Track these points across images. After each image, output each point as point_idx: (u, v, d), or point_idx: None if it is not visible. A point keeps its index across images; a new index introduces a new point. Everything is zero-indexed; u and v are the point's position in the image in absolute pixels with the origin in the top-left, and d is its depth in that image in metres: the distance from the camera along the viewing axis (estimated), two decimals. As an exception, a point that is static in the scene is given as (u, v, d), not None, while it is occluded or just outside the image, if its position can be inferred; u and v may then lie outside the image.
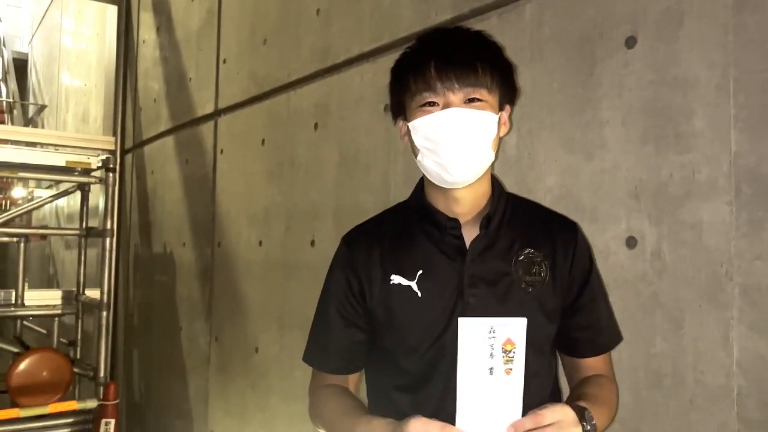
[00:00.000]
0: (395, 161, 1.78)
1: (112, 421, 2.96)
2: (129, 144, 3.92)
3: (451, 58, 0.99)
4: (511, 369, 0.87)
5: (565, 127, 1.34)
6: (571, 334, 1.10)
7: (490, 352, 0.87)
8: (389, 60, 1.85)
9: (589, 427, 0.91)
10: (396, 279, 1.06)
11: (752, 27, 1.06)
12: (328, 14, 2.09)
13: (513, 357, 0.87)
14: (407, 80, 1.02)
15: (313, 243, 2.13)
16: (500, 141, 1.09)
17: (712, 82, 1.10)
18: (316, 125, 2.13)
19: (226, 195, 2.74)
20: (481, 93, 1.00)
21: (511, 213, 1.11)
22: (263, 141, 2.45)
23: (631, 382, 1.18)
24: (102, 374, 3.14)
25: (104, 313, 3.15)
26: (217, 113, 2.82)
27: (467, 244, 1.06)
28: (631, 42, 1.23)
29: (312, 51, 2.16)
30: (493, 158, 1.05)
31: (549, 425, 0.86)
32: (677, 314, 1.13)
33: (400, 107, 1.07)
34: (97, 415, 2.99)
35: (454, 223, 1.07)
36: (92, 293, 3.36)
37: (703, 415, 1.09)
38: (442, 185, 1.05)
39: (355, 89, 1.95)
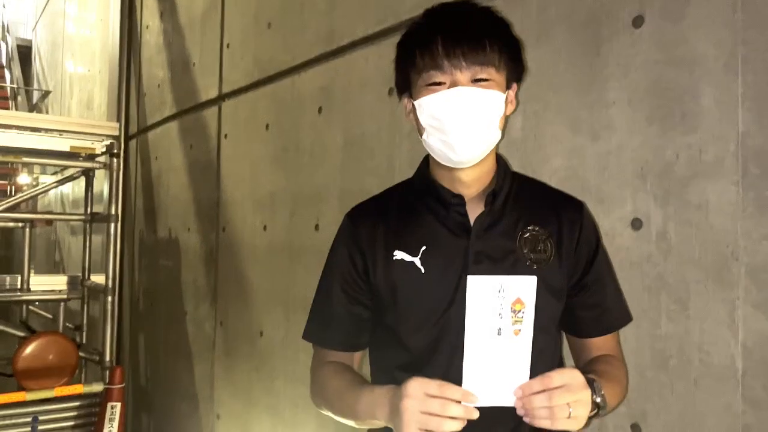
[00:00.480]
0: (400, 144, 1.77)
1: (118, 405, 2.99)
2: (133, 130, 3.92)
3: (459, 35, 0.98)
4: (519, 330, 0.86)
5: (571, 108, 1.33)
6: (577, 313, 1.10)
7: (499, 311, 0.86)
8: (394, 43, 1.83)
9: (598, 399, 0.91)
10: (399, 255, 1.06)
11: (761, 5, 1.05)
12: (332, -3, 2.08)
13: (522, 317, 0.86)
14: (413, 56, 1.01)
15: (317, 227, 2.13)
16: (506, 120, 1.09)
17: (719, 61, 1.09)
18: (320, 109, 2.12)
19: (231, 180, 2.74)
20: (489, 72, 0.99)
21: (516, 191, 1.10)
22: (267, 125, 2.44)
23: (636, 363, 1.18)
24: (108, 358, 3.16)
25: (110, 298, 3.17)
26: (221, 98, 2.81)
27: (472, 221, 1.06)
28: (638, 21, 1.22)
29: (316, 34, 2.15)
30: (499, 137, 1.05)
31: (557, 387, 0.86)
32: (683, 295, 1.13)
33: (406, 83, 1.06)
34: (103, 398, 3.02)
35: (459, 200, 1.07)
36: (98, 278, 3.38)
37: (709, 395, 1.09)
38: (447, 164, 1.05)
39: (360, 72, 1.94)
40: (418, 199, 1.12)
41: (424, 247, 1.05)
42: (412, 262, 1.05)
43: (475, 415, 0.86)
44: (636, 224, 1.20)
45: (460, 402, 0.86)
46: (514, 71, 1.06)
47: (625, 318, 1.14)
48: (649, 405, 1.17)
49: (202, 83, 3.02)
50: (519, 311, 0.85)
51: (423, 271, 1.04)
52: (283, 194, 2.34)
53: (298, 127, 2.26)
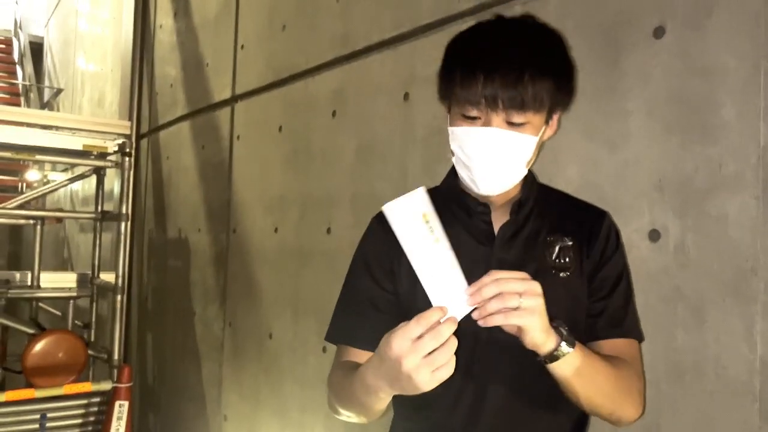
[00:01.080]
0: (413, 151, 1.77)
1: (126, 404, 2.99)
2: (145, 129, 3.93)
3: (500, 75, 0.94)
4: (437, 238, 0.88)
5: (589, 117, 1.32)
6: (589, 313, 1.08)
7: (416, 226, 0.87)
8: (410, 48, 1.86)
9: (562, 329, 0.90)
10: None
11: (785, 18, 1.04)
12: (348, 0, 2.08)
13: (433, 228, 0.87)
14: (454, 78, 0.99)
15: (329, 231, 2.13)
16: (543, 144, 1.09)
17: (741, 74, 1.09)
18: (334, 113, 2.12)
19: (242, 181, 2.74)
20: (527, 116, 0.97)
21: (541, 201, 1.11)
22: (280, 128, 2.44)
23: (651, 375, 1.17)
24: (116, 357, 3.16)
25: (118, 297, 3.18)
26: (234, 99, 2.82)
27: (496, 229, 1.07)
28: (659, 32, 1.21)
29: (331, 38, 2.15)
30: (526, 172, 1.06)
31: (511, 280, 0.85)
32: (700, 308, 1.12)
33: (446, 98, 1.05)
34: (111, 397, 3.02)
35: (485, 208, 1.07)
36: (107, 277, 3.39)
37: (725, 410, 1.08)
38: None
39: (374, 77, 1.94)
40: (445, 206, 1.09)
41: None
42: None
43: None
44: (653, 236, 1.20)
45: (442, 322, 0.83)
46: (560, 102, 1.04)
47: (635, 330, 1.10)
48: (664, 418, 1.16)
49: (215, 84, 3.02)
50: (428, 222, 0.87)
51: None
52: (294, 197, 2.34)
53: (310, 130, 2.26)
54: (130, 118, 3.83)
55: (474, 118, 0.98)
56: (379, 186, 1.90)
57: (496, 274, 0.86)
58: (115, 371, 3.10)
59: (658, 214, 1.19)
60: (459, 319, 0.85)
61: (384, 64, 1.91)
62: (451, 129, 1.03)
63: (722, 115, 1.11)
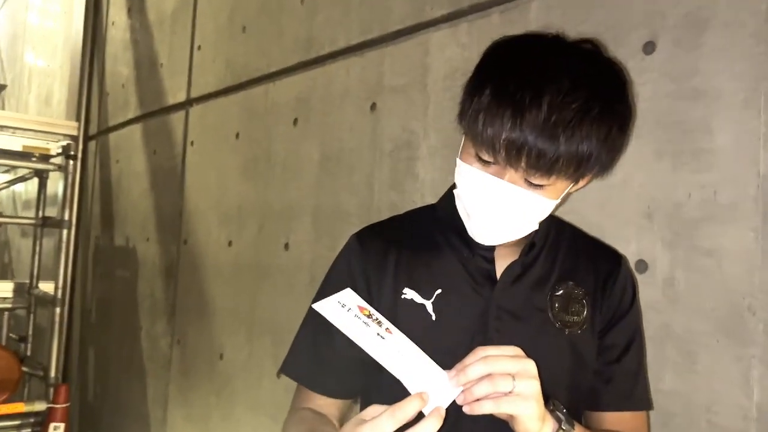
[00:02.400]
0: (381, 163, 1.66)
1: (62, 426, 2.79)
2: (93, 130, 3.72)
3: (533, 123, 0.75)
4: (387, 328, 0.78)
5: (571, 137, 1.23)
6: (594, 375, 0.95)
7: (362, 321, 0.78)
8: (378, 55, 1.75)
9: (558, 412, 0.77)
10: (409, 294, 0.91)
11: (788, 38, 0.96)
12: (313, 2, 1.96)
13: (378, 318, 0.79)
14: (476, 114, 0.80)
15: (287, 246, 1.99)
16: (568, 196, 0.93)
17: (739, 96, 1.01)
18: (295, 120, 1.99)
19: (196, 190, 2.59)
20: (550, 180, 0.80)
21: (553, 240, 0.97)
22: (238, 134, 2.30)
23: (636, 420, 1.08)
24: (53, 374, 2.95)
25: (58, 309, 2.97)
26: (189, 102, 2.66)
27: (498, 269, 0.92)
28: (649, 47, 1.13)
29: (295, 41, 2.02)
30: (536, 227, 0.91)
31: (502, 358, 0.72)
32: (691, 348, 1.04)
33: (462, 121, 0.86)
34: (46, 418, 2.81)
35: (488, 245, 0.92)
36: (47, 287, 3.17)
37: (717, 461, 0.99)
38: None
39: (340, 84, 1.82)
40: (439, 231, 0.97)
41: (439, 291, 0.91)
42: (423, 306, 0.90)
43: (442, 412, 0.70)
44: (640, 267, 1.11)
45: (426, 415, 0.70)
46: (602, 167, 0.84)
47: (644, 401, 0.98)
48: (649, 466, 1.07)
49: (169, 85, 2.86)
50: (370, 315, 0.79)
51: (434, 318, 0.90)
52: (251, 208, 2.20)
53: (270, 138, 2.12)
54: (78, 119, 3.60)
55: (487, 162, 0.81)
56: (344, 199, 1.78)
57: (483, 351, 0.73)
58: (52, 390, 2.89)
59: (645, 244, 1.11)
60: (446, 407, 0.72)
61: (350, 71, 1.80)
62: (458, 162, 0.86)
63: (717, 140, 1.03)
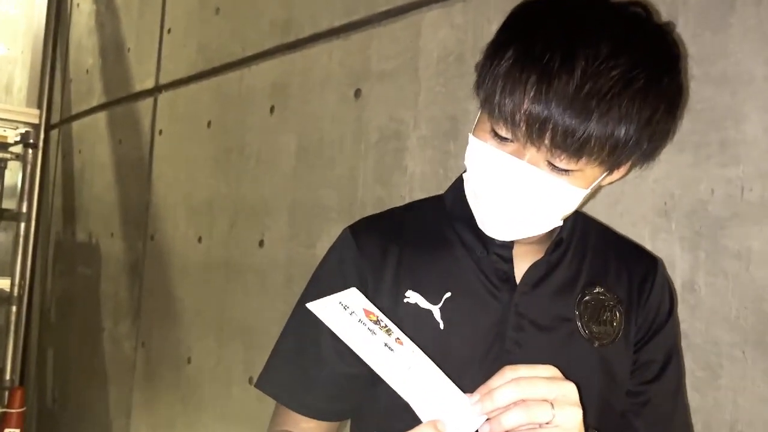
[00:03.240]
0: (366, 155, 1.54)
1: (17, 432, 2.62)
2: (56, 119, 3.53)
3: (561, 93, 0.62)
4: (398, 338, 0.66)
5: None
6: (628, 395, 0.83)
7: (367, 327, 0.66)
8: (363, 38, 1.62)
9: None
10: (413, 297, 0.78)
11: (827, 17, 0.87)
12: (293, -18, 1.82)
13: (387, 325, 0.66)
14: (495, 82, 0.67)
15: (261, 243, 1.86)
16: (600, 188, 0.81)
17: (770, 82, 0.91)
18: (272, 108, 1.86)
19: (164, 182, 2.43)
20: (579, 164, 0.67)
21: (579, 238, 0.84)
22: (209, 123, 2.16)
23: (651, 439, 0.98)
24: (8, 377, 2.80)
25: (14, 308, 2.81)
26: (158, 89, 2.50)
27: (517, 270, 0.80)
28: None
29: (272, 23, 1.89)
30: (560, 222, 0.77)
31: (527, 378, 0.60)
32: (713, 360, 0.93)
33: (479, 92, 0.73)
34: (0, 423, 2.64)
35: (506, 242, 0.79)
36: (3, 283, 2.98)
37: (745, 487, 0.89)
38: None
39: (322, 69, 1.69)
40: (448, 226, 0.83)
41: (448, 294, 0.77)
42: (429, 312, 0.77)
43: None
44: (655, 270, 1.01)
45: None
46: (643, 152, 0.71)
47: (684, 428, 0.87)
48: (665, 490, 0.97)
49: (136, 71, 2.70)
50: (378, 320, 0.67)
51: (442, 326, 0.76)
52: (223, 202, 2.06)
53: (244, 127, 1.98)
54: (40, 106, 3.43)
55: (504, 139, 0.69)
56: (324, 194, 1.65)
57: (513, 371, 0.60)
58: (7, 393, 2.72)
59: (662, 245, 1.00)
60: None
61: (333, 56, 1.67)
62: (471, 139, 0.73)
63: (746, 130, 0.93)
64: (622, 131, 0.65)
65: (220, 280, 2.02)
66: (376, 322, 0.65)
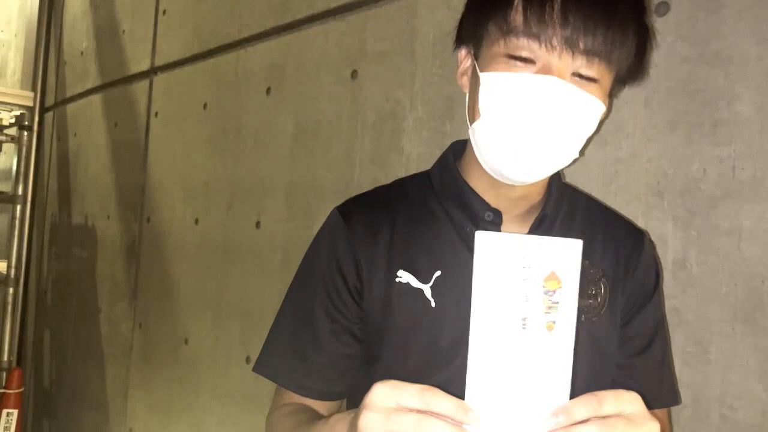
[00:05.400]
0: (362, 136, 1.54)
1: (15, 412, 2.64)
2: (50, 101, 3.50)
3: (589, 7, 0.66)
4: (554, 322, 0.56)
5: (574, 107, 1.13)
6: (616, 375, 0.85)
7: (524, 292, 0.56)
8: (360, 19, 1.62)
9: None
10: (405, 277, 0.79)
11: (820, -3, 0.88)
12: (289, -38, 1.82)
13: (558, 303, 0.56)
14: (510, 2, 0.68)
15: (258, 224, 1.87)
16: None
17: (763, 62, 0.92)
18: (269, 90, 1.86)
19: (160, 164, 2.43)
20: (602, 70, 0.70)
21: (566, 212, 0.85)
22: (205, 105, 2.15)
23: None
24: (6, 358, 2.80)
25: (11, 289, 2.80)
26: (153, 71, 2.49)
27: None
28: (662, 8, 1.03)
29: (268, 4, 1.88)
30: (577, 153, 0.78)
31: (613, 416, 0.56)
32: (704, 336, 0.95)
33: (475, 33, 0.75)
34: (-3, 404, 2.65)
35: (495, 217, 0.80)
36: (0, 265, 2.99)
37: (733, 458, 0.92)
38: (492, 173, 0.78)
39: (318, 50, 1.69)
40: (437, 203, 0.83)
41: (438, 273, 0.78)
42: (421, 291, 0.78)
43: None
44: (648, 248, 1.02)
45: (452, 420, 0.55)
46: (635, 73, 0.77)
47: (672, 396, 0.89)
48: (654, 462, 0.99)
49: (131, 53, 2.68)
50: (554, 292, 0.56)
51: (433, 304, 0.78)
52: (219, 184, 2.06)
53: (241, 109, 1.98)
54: (34, 89, 3.40)
55: (526, 60, 0.69)
56: (320, 175, 1.66)
57: (594, 405, 0.56)
58: (4, 375, 2.73)
59: (655, 223, 1.02)
60: None
61: (329, 37, 1.67)
62: (484, 76, 0.71)
63: (738, 110, 0.94)
64: (634, 32, 0.71)
65: (217, 261, 2.03)
66: (554, 290, 0.56)
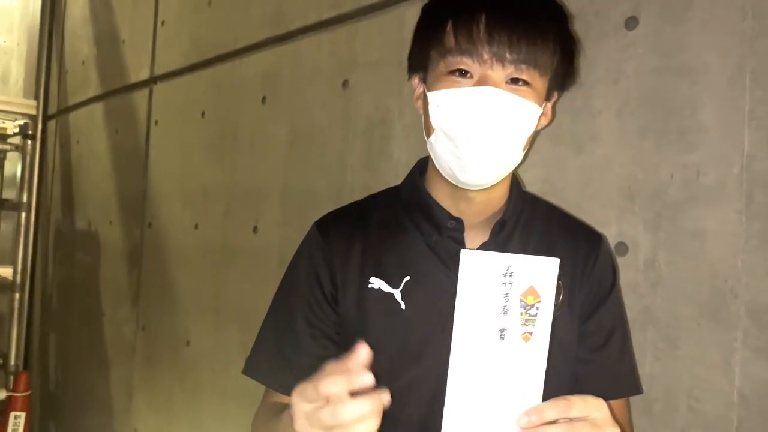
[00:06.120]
0: (353, 142, 1.60)
1: (23, 415, 2.70)
2: (53, 110, 3.57)
3: (511, 15, 0.75)
4: (531, 334, 0.63)
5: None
6: (578, 363, 0.92)
7: (503, 304, 0.63)
8: (350, 30, 1.68)
9: None
10: (376, 283, 0.86)
11: (776, 12, 0.93)
12: (282, -25, 1.87)
13: (535, 316, 0.63)
14: (442, 28, 0.78)
15: (255, 229, 1.92)
16: (536, 135, 0.91)
17: (725, 73, 0.97)
18: (264, 98, 1.92)
19: (160, 171, 2.49)
20: (532, 75, 0.78)
21: (526, 219, 0.92)
22: (203, 113, 2.21)
23: (616, 406, 1.06)
24: (13, 362, 2.86)
25: (17, 295, 2.86)
26: (153, 80, 2.55)
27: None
28: (631, 23, 1.09)
29: (263, 15, 1.94)
30: (519, 161, 0.86)
31: (579, 419, 0.63)
32: (672, 332, 1.01)
33: (422, 61, 0.85)
34: (6, 407, 2.71)
35: (457, 224, 0.87)
36: (5, 271, 3.05)
37: (699, 447, 0.97)
38: (452, 181, 0.86)
39: (311, 60, 1.75)
40: (406, 214, 0.91)
41: (407, 278, 0.85)
42: (391, 295, 0.85)
43: (385, 399, 0.61)
44: (621, 249, 1.08)
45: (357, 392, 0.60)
46: (563, 79, 0.86)
47: (632, 387, 0.96)
48: (628, 453, 1.05)
49: (131, 63, 2.74)
50: (532, 306, 0.63)
51: (404, 307, 0.84)
52: (218, 190, 2.12)
53: (237, 117, 2.04)
54: (37, 98, 3.46)
55: (465, 74, 0.78)
56: (314, 180, 1.71)
57: (563, 408, 0.63)
58: (12, 378, 2.79)
59: (626, 226, 1.07)
60: None
61: (321, 47, 1.72)
62: (432, 95, 0.81)
63: (702, 119, 1.00)
64: (557, 42, 0.80)
65: (216, 264, 2.09)
66: (532, 304, 0.63)
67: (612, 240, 1.08)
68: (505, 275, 0.63)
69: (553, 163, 1.17)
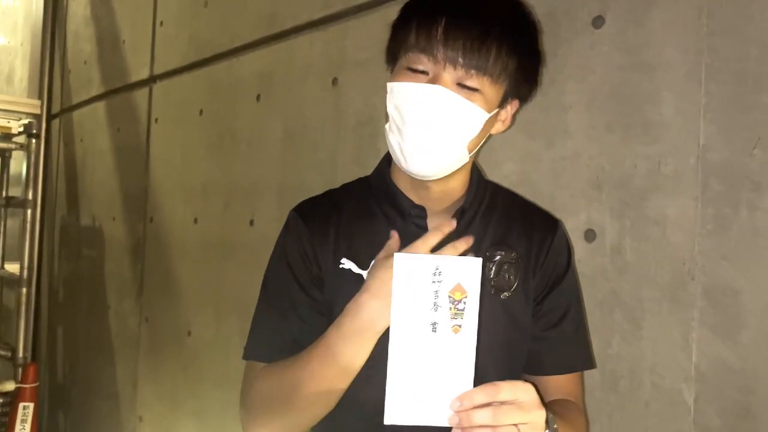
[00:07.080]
0: (345, 139, 1.67)
1: (31, 405, 2.78)
2: (57, 108, 3.64)
3: (468, 24, 0.80)
4: (460, 326, 0.71)
5: (525, 111, 1.25)
6: (532, 345, 0.98)
7: (433, 300, 0.71)
8: (340, 30, 1.74)
9: None
10: (347, 264, 0.92)
11: (728, 11, 0.99)
12: (275, -23, 1.94)
13: (463, 310, 0.71)
14: (410, 25, 0.84)
15: (252, 222, 2.00)
16: (489, 137, 0.96)
17: (683, 68, 1.04)
18: (258, 96, 1.99)
19: (161, 167, 2.56)
20: (482, 81, 0.83)
21: (487, 206, 0.98)
22: (202, 111, 2.28)
23: (586, 383, 1.12)
24: (21, 354, 2.94)
25: (24, 290, 2.94)
26: (153, 79, 2.62)
27: None
28: (598, 22, 1.15)
29: (258, 16, 2.00)
30: (467, 159, 0.92)
31: (506, 403, 0.71)
32: (637, 314, 1.07)
33: (393, 55, 0.92)
34: (14, 398, 2.79)
35: (420, 212, 0.94)
36: (13, 267, 3.13)
37: (660, 420, 1.04)
38: (405, 171, 0.91)
39: (303, 59, 1.82)
40: (374, 200, 0.98)
41: (374, 261, 0.91)
42: (360, 276, 0.90)
43: None
44: (589, 236, 1.14)
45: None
46: (520, 89, 0.91)
47: (585, 362, 1.02)
48: (598, 427, 1.12)
49: (132, 62, 2.81)
50: (459, 301, 0.70)
51: None
52: (216, 185, 2.19)
53: (234, 115, 2.11)
54: (41, 97, 3.53)
55: (421, 72, 0.84)
56: (308, 176, 1.78)
57: (491, 393, 0.71)
58: (20, 370, 2.87)
59: (594, 214, 1.14)
60: (422, 423, 0.72)
61: (313, 46, 1.79)
62: (389, 86, 0.87)
63: (663, 112, 1.06)
64: (514, 55, 0.84)
65: (216, 258, 2.16)
66: (459, 299, 0.70)
67: (581, 227, 1.15)
68: (434, 274, 0.71)
69: (527, 156, 1.24)
